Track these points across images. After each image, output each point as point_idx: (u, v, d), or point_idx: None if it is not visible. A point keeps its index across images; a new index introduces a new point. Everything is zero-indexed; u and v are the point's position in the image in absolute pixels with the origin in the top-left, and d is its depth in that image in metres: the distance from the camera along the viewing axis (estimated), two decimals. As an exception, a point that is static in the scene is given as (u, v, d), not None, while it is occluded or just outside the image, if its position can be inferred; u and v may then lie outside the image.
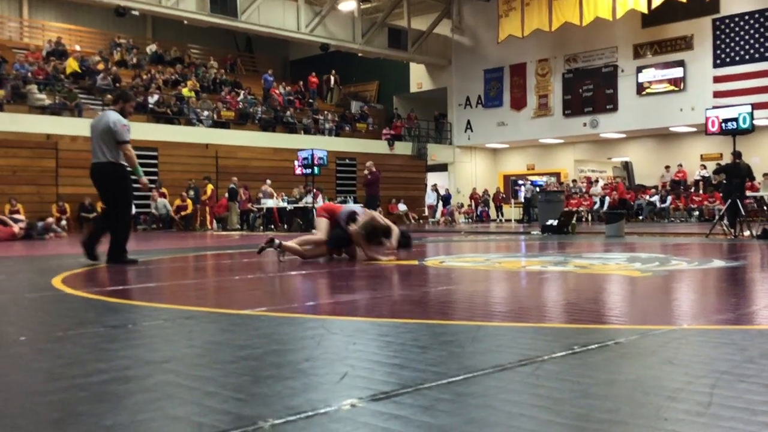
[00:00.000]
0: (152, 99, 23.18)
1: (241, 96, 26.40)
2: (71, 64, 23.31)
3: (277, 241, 7.48)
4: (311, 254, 7.60)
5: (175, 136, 22.40)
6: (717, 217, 14.06)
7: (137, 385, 2.19)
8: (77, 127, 20.72)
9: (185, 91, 24.47)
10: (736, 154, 12.80)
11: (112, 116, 7.69)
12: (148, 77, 24.64)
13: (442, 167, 30.26)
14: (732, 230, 12.39)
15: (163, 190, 21.18)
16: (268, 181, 21.65)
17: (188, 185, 21.43)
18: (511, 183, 30.32)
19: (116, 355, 2.66)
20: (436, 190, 27.55)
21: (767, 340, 2.89)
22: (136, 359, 2.57)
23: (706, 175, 23.66)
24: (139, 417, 1.83)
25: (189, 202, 21.24)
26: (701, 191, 23.69)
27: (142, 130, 21.77)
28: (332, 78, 32.13)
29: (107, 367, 2.42)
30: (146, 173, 21.75)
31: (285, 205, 20.48)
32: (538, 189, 24.92)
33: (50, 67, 22.57)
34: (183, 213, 21.25)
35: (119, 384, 2.19)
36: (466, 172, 31.00)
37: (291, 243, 7.53)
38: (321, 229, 7.65)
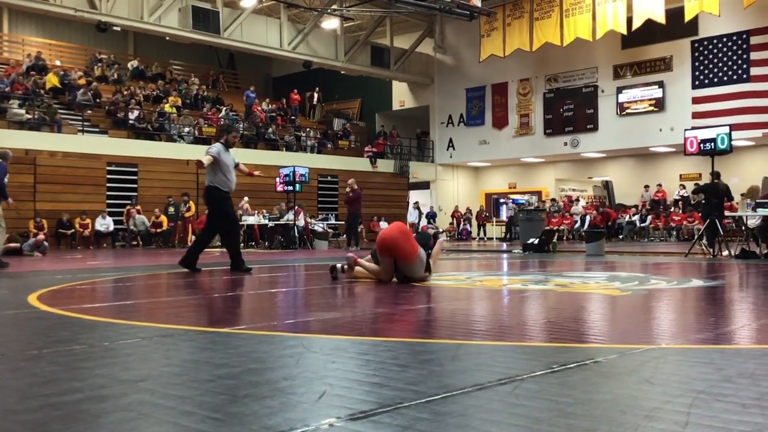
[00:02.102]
0: (133, 115, 23.08)
1: (223, 112, 26.36)
2: (51, 79, 23.19)
3: (339, 265, 7.13)
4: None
5: (156, 152, 22.29)
6: (696, 237, 14.18)
7: (112, 404, 2.16)
8: (56, 142, 20.61)
9: (167, 107, 24.40)
10: (715, 174, 12.94)
11: (216, 145, 8.80)
12: (128, 93, 24.55)
13: (425, 185, 30.35)
14: (711, 250, 12.50)
15: (138, 207, 21.03)
16: (246, 198, 21.57)
17: (168, 202, 21.28)
18: (494, 201, 30.46)
19: (91, 373, 2.62)
20: (418, 208, 27.60)
21: (745, 359, 2.90)
22: (112, 378, 2.54)
23: (685, 194, 23.91)
24: (113, 437, 1.80)
25: (163, 218, 21.07)
26: (680, 211, 23.93)
27: (122, 146, 21.71)
28: (315, 95, 32.21)
29: (82, 386, 2.39)
30: (125, 189, 21.52)
31: (266, 222, 20.40)
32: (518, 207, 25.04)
33: (30, 82, 22.42)
34: (159, 230, 21.09)
35: (94, 403, 2.16)
36: (448, 190, 31.11)
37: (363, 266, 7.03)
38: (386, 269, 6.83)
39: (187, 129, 24.00)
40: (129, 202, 21.22)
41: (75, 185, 20.36)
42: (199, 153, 23.39)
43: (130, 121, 22.84)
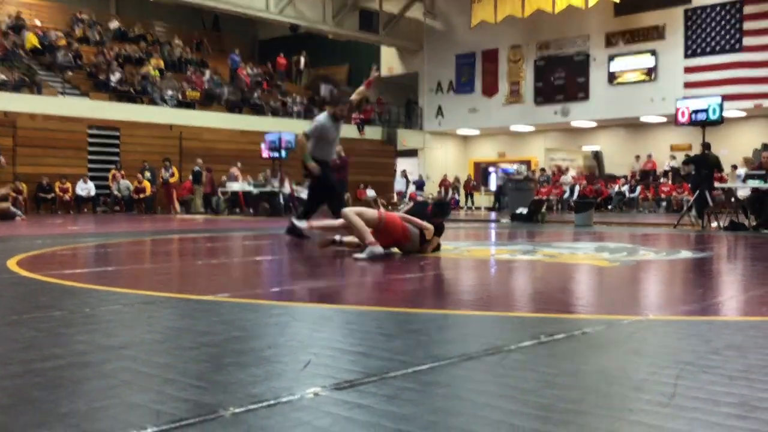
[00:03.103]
0: (114, 77, 22.73)
1: (207, 76, 26.03)
2: (31, 40, 22.77)
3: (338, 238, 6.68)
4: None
5: (138, 115, 22.00)
6: (685, 208, 14.23)
7: (94, 371, 2.13)
8: (36, 104, 20.28)
9: (150, 70, 24.03)
10: (705, 146, 12.94)
11: (322, 115, 8.40)
12: (110, 54, 24.15)
13: (412, 153, 30.23)
14: (699, 221, 12.54)
15: (122, 171, 20.84)
16: (238, 164, 21.40)
17: (143, 167, 21.05)
18: (482, 170, 30.41)
19: (73, 340, 2.58)
20: (406, 176, 27.52)
21: (732, 331, 2.91)
22: (94, 344, 2.50)
23: (675, 165, 23.94)
24: (95, 404, 1.77)
25: (146, 184, 20.90)
26: (670, 182, 23.99)
27: (104, 109, 21.39)
28: (302, 60, 31.84)
29: (63, 353, 2.35)
30: (107, 153, 21.20)
31: (251, 189, 20.28)
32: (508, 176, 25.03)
33: (9, 43, 21.99)
34: (142, 195, 20.93)
35: (75, 370, 2.13)
36: (437, 158, 31.01)
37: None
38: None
39: (170, 92, 23.69)
40: (113, 166, 21.01)
41: (55, 149, 20.10)
42: (183, 117, 23.26)
43: (112, 84, 22.51)
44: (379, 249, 5.85)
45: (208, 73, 26.36)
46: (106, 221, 14.91)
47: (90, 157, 21.05)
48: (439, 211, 6.72)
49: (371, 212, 6.26)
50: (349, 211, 6.20)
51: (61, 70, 22.18)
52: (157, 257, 6.91)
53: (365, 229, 5.99)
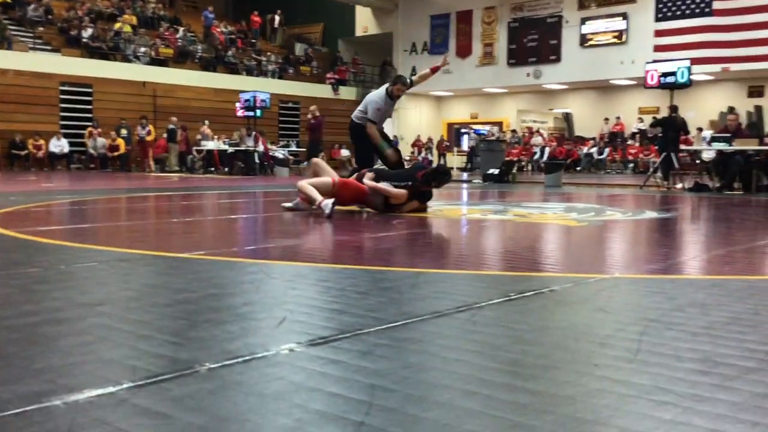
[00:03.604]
0: (86, 33, 22.25)
1: (180, 33, 25.56)
2: (-1, -7, 22.14)
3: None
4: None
5: (111, 72, 21.63)
6: (651, 170, 14.41)
7: (69, 327, 2.14)
8: (7, 60, 19.81)
9: (122, 26, 23.51)
10: (673, 108, 13.07)
11: (379, 92, 8.22)
12: (82, 10, 23.58)
13: (386, 113, 30.04)
14: (665, 182, 12.73)
15: (99, 129, 20.51)
16: (206, 122, 21.19)
17: (120, 124, 20.76)
18: (455, 131, 30.38)
19: (47, 296, 2.59)
20: (380, 136, 27.40)
21: (695, 289, 2.99)
22: (69, 301, 2.51)
23: (643, 127, 24.15)
24: (70, 360, 1.79)
25: (120, 141, 20.61)
26: (637, 144, 24.21)
27: (76, 66, 20.99)
28: (276, 18, 31.34)
29: (38, 309, 2.36)
30: (79, 110, 20.83)
31: (226, 147, 20.11)
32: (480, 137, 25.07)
33: (-23, -3, 21.40)
34: (116, 153, 20.65)
35: (50, 326, 2.14)
36: (410, 119, 30.89)
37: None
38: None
39: (143, 49, 23.26)
40: (90, 124, 20.69)
41: (27, 105, 19.78)
42: (156, 74, 22.88)
43: (84, 40, 22.03)
44: (327, 205, 6.01)
45: (181, 30, 25.86)
46: (81, 178, 14.71)
47: (63, 114, 20.71)
48: (433, 179, 6.78)
49: (325, 180, 6.42)
50: (304, 183, 6.39)
51: (31, 26, 21.63)
52: (133, 215, 6.87)
53: (315, 194, 6.21)
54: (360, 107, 8.36)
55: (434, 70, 8.59)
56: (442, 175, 6.89)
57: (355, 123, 8.32)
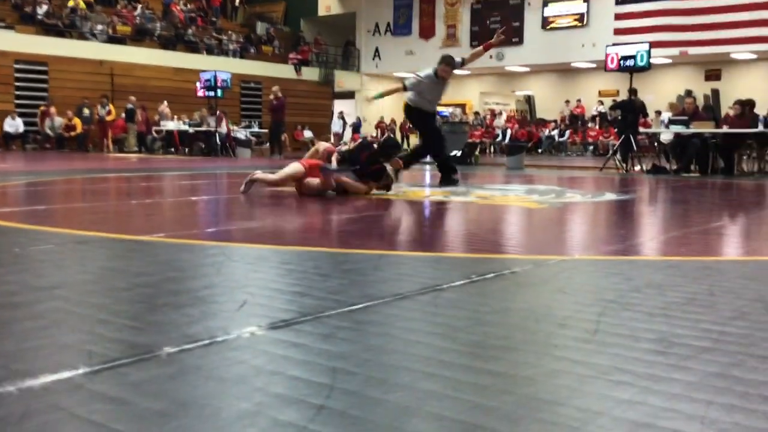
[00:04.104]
0: (41, 9, 21.67)
1: (138, 10, 25.04)
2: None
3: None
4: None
5: (67, 50, 21.12)
6: (611, 152, 14.60)
7: (24, 311, 2.09)
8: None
9: (79, 3, 22.95)
10: (632, 91, 13.23)
11: (425, 71, 8.18)
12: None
13: (349, 95, 29.94)
14: (624, 165, 12.91)
15: (53, 108, 20.03)
16: (165, 102, 20.87)
17: (83, 104, 20.34)
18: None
19: (2, 280, 2.53)
20: (343, 118, 27.32)
21: (652, 270, 3.04)
22: (24, 285, 2.45)
23: (603, 110, 24.44)
24: (26, 344, 1.75)
25: (77, 121, 20.18)
26: (597, 126, 24.50)
27: (31, 43, 20.46)
28: (237, -5, 30.91)
29: (-9, 294, 2.30)
30: (35, 89, 20.35)
31: (186, 128, 19.84)
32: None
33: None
34: (72, 133, 20.22)
35: (5, 310, 2.09)
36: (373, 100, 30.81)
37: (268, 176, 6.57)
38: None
39: (100, 27, 22.74)
40: (42, 102, 20.20)
41: (-20, 83, 19.25)
42: (114, 52, 22.43)
43: (39, 17, 21.46)
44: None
45: (139, 7, 25.32)
46: (37, 159, 14.39)
47: (17, 93, 20.19)
48: (381, 155, 6.71)
49: (296, 167, 6.34)
50: (280, 174, 6.35)
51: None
52: (91, 196, 6.74)
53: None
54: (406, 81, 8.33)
55: (487, 47, 8.54)
56: (388, 149, 6.81)
57: (409, 106, 8.24)
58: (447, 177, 8.22)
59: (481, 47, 8.54)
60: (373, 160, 6.61)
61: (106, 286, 2.51)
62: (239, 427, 1.28)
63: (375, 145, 7.05)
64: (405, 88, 8.25)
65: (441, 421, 1.33)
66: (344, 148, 7.45)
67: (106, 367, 1.60)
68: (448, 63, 8.01)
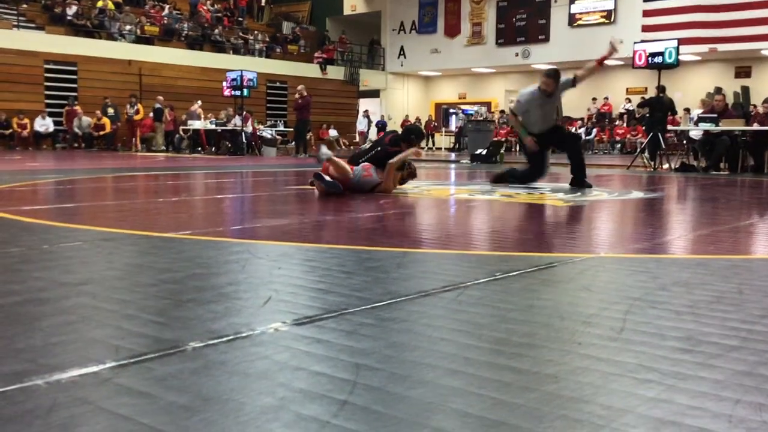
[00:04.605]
0: (71, 10, 21.97)
1: (166, 11, 25.28)
2: (-18, -30, 21.79)
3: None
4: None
5: (96, 50, 21.38)
6: (638, 150, 14.45)
7: (52, 307, 2.12)
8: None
9: (107, 4, 23.23)
10: (660, 89, 13.08)
11: (523, 91, 8.04)
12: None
13: (374, 93, 29.97)
14: (652, 163, 12.77)
15: (78, 107, 20.27)
16: (199, 102, 21.03)
17: (105, 103, 20.54)
18: (443, 111, 30.33)
19: (30, 276, 2.56)
20: (368, 116, 27.35)
21: (680, 268, 3.00)
22: (52, 281, 2.49)
23: (631, 108, 24.18)
24: (53, 340, 1.78)
25: (106, 120, 20.42)
26: (625, 124, 24.26)
27: (60, 44, 20.75)
28: (263, -5, 31.08)
29: (20, 289, 2.34)
30: (65, 89, 20.59)
31: (213, 127, 19.99)
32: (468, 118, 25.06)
33: (-41, -27, 21.04)
34: (101, 132, 20.46)
35: (33, 306, 2.12)
36: (398, 99, 30.80)
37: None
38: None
39: (128, 27, 23.01)
40: (67, 102, 20.46)
41: (11, 83, 19.55)
42: (142, 52, 22.66)
43: (68, 17, 21.76)
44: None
45: (167, 8, 25.57)
46: (66, 158, 14.59)
47: (47, 92, 20.49)
48: (402, 139, 6.83)
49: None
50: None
51: (15, 3, 21.32)
52: (118, 194, 6.82)
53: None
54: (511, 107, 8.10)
55: (601, 62, 8.04)
56: (410, 133, 6.89)
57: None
58: (580, 180, 7.84)
59: (595, 62, 8.03)
60: (394, 142, 6.70)
61: (132, 282, 2.54)
62: (263, 422, 1.29)
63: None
64: (515, 115, 8.03)
65: (464, 417, 1.33)
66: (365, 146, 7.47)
67: (132, 361, 1.61)
68: (548, 75, 7.68)
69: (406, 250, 3.39)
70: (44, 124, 19.82)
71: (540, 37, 25.86)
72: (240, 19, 28.43)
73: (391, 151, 6.67)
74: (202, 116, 20.70)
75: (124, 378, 1.51)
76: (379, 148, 6.67)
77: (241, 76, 18.57)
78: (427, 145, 28.71)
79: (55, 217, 4.54)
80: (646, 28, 22.89)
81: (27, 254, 3.05)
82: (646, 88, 23.65)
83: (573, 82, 7.92)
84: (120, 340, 1.78)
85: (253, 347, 1.74)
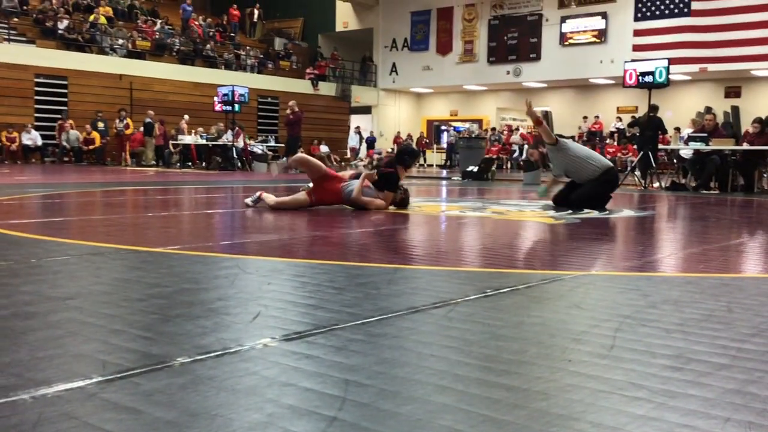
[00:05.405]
0: (62, 24, 21.96)
1: (158, 26, 25.32)
2: (-27, -16, 21.80)
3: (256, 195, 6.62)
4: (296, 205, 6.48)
5: (87, 65, 21.38)
6: (629, 169, 14.52)
7: (39, 321, 2.10)
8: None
9: (99, 18, 23.25)
10: (652, 108, 13.18)
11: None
12: (57, 1, 23.28)
13: (366, 110, 30.07)
14: (643, 181, 12.83)
15: (70, 121, 20.23)
16: (186, 117, 21.05)
17: (96, 117, 20.52)
18: (435, 128, 30.45)
19: (17, 290, 2.54)
20: (359, 133, 27.41)
21: (670, 287, 3.00)
22: (39, 295, 2.47)
23: (621, 127, 24.34)
24: (39, 354, 1.76)
25: (96, 135, 20.38)
26: (615, 143, 24.40)
27: (51, 57, 20.73)
28: (255, 12, 31.17)
29: (7, 303, 2.32)
30: (55, 102, 20.55)
31: (204, 141, 19.98)
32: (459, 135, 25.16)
33: (-50, -14, 21.04)
34: (91, 147, 20.41)
35: (20, 320, 2.10)
36: (390, 115, 30.91)
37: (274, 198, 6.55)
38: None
39: (120, 41, 23.02)
40: (59, 116, 20.43)
41: (1, 97, 19.50)
42: (133, 67, 22.64)
43: (59, 31, 21.75)
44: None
45: (159, 22, 25.62)
46: (55, 172, 14.54)
47: (37, 106, 20.45)
48: (397, 161, 6.85)
49: (302, 199, 6.45)
50: (284, 200, 6.45)
51: (6, 16, 21.31)
52: (107, 209, 6.79)
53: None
54: None
55: (536, 121, 7.64)
56: (403, 155, 6.95)
57: None
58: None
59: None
60: (389, 164, 6.81)
61: (120, 296, 2.52)
62: (250, 438, 1.28)
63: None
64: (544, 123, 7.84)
65: (453, 434, 1.32)
66: (361, 163, 7.47)
67: (119, 376, 1.60)
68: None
69: (397, 266, 3.39)
70: (31, 138, 19.75)
71: (531, 55, 26.06)
72: (232, 34, 28.51)
73: (384, 172, 6.71)
74: (186, 131, 20.69)
75: (110, 393, 1.49)
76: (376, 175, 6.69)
77: (233, 92, 18.60)
78: (418, 162, 28.80)
79: (43, 231, 4.51)
80: (636, 48, 23.11)
81: (14, 268, 3.02)
82: (636, 107, 23.85)
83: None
84: (107, 355, 1.77)
85: (241, 363, 1.73)
